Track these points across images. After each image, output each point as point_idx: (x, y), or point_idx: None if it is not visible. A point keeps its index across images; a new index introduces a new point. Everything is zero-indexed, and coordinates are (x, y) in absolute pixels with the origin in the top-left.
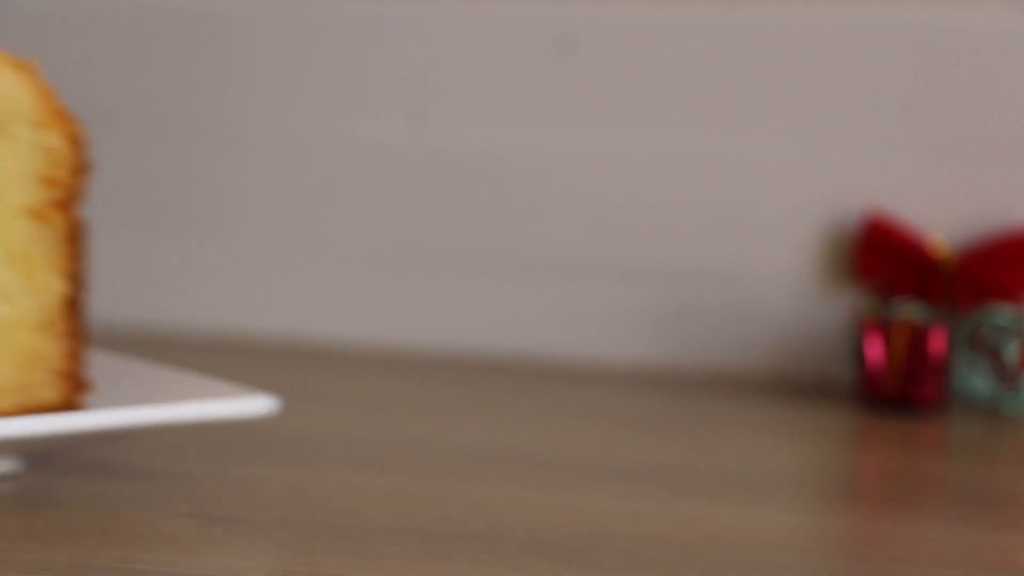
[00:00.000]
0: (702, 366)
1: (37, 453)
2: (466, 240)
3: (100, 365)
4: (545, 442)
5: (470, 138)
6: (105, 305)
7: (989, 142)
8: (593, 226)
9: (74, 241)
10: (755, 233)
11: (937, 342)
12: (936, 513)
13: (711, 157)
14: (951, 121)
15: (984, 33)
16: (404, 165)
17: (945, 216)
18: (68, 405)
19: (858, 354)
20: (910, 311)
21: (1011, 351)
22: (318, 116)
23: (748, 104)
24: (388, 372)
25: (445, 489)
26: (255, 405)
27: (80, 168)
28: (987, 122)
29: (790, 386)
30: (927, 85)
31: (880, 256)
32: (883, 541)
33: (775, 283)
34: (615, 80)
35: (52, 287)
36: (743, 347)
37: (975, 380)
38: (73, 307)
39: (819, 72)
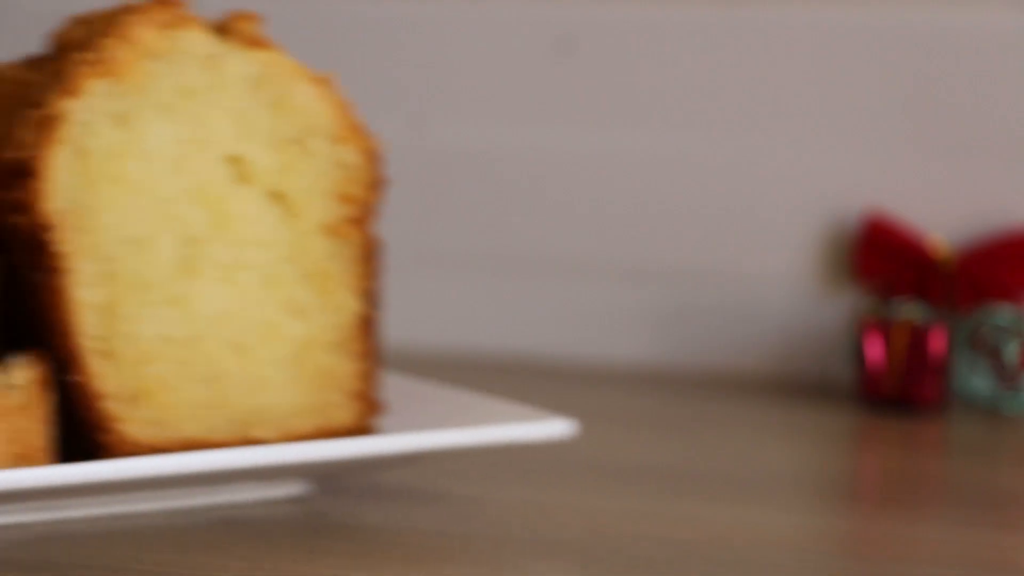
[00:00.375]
0: (702, 366)
1: (328, 476)
2: (466, 240)
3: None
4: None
5: (470, 138)
6: None
7: (989, 142)
8: (593, 226)
9: (369, 258)
10: (755, 233)
11: (937, 342)
12: (936, 513)
13: (711, 157)
14: (951, 121)
15: (984, 33)
16: (404, 165)
17: (945, 216)
18: (362, 427)
19: (858, 354)
20: (910, 311)
21: (1011, 351)
22: None
23: (748, 104)
24: (388, 372)
25: (445, 489)
26: (555, 428)
27: (376, 184)
28: (987, 122)
29: (790, 386)
30: (927, 85)
31: (880, 256)
32: (883, 541)
33: (775, 283)
34: (615, 80)
35: (348, 305)
36: (743, 347)
37: (975, 380)
38: (368, 326)
39: (819, 72)
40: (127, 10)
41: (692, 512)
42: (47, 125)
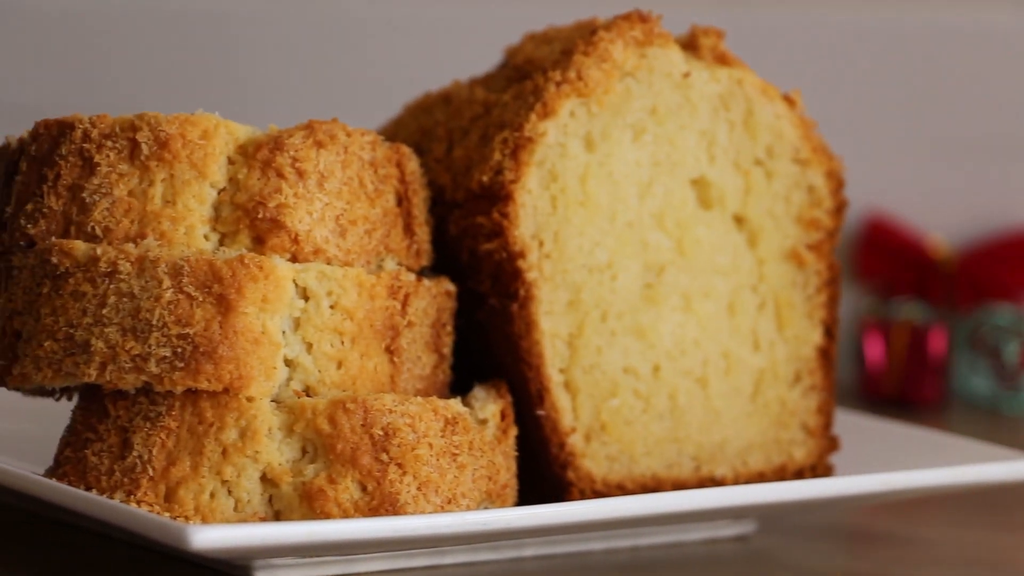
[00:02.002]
0: None
1: (779, 515)
2: None
3: None
4: None
5: None
6: None
7: (989, 142)
8: None
9: (830, 287)
10: None
11: (937, 342)
12: (936, 513)
13: None
14: (951, 121)
15: (984, 33)
16: None
17: (945, 216)
18: (819, 465)
19: (858, 354)
20: (910, 311)
21: (1011, 351)
22: (318, 116)
23: None
24: None
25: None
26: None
27: (840, 208)
28: (987, 122)
29: None
30: (927, 85)
31: (880, 256)
32: (883, 541)
33: None
34: None
35: (808, 336)
36: None
37: (975, 380)
38: (827, 358)
39: (818, 72)
40: (597, 27)
41: None
42: (521, 147)
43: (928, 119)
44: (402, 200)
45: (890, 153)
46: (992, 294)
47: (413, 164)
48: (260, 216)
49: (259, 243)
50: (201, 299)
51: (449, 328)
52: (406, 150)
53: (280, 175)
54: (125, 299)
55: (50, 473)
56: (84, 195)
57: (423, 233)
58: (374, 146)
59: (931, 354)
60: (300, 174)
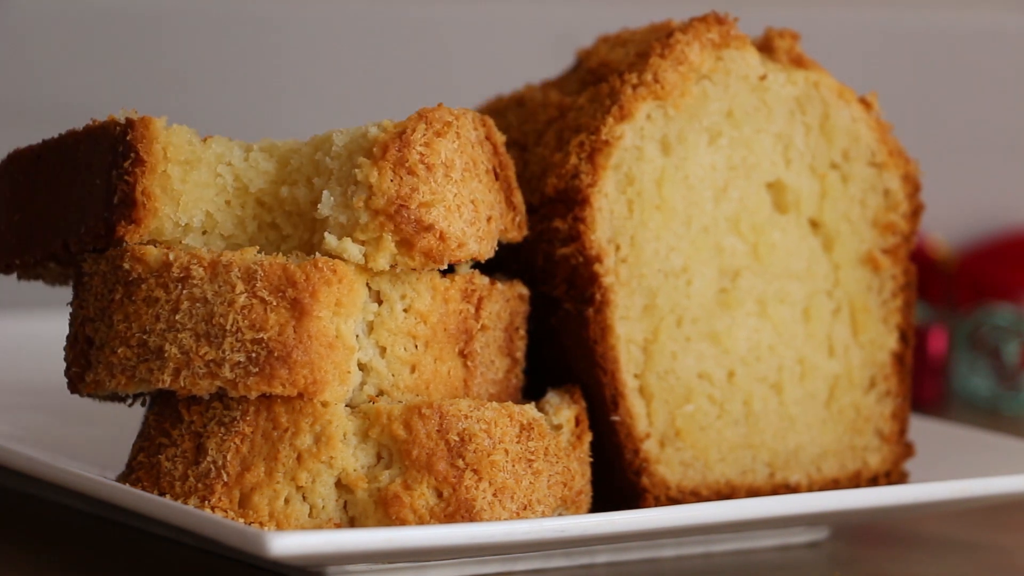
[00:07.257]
0: None
1: (855, 522)
2: None
3: None
4: None
5: None
6: None
7: (989, 142)
8: None
9: (906, 291)
10: None
11: (937, 342)
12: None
13: None
14: (951, 121)
15: (984, 33)
16: None
17: (945, 216)
18: (894, 472)
19: None
20: None
21: (1011, 351)
22: (317, 116)
23: None
24: None
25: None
26: None
27: (916, 212)
28: (987, 122)
29: None
30: (927, 85)
31: None
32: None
33: None
34: None
35: (883, 342)
36: None
37: (975, 380)
38: (902, 364)
39: None
40: (673, 29)
41: None
42: (598, 151)
43: (927, 119)
44: (498, 173)
45: None
46: (992, 294)
47: (498, 134)
48: (404, 218)
49: (407, 247)
50: (275, 303)
51: (522, 332)
52: (489, 120)
53: (412, 173)
54: (198, 304)
55: (123, 478)
56: None
57: (520, 203)
58: (475, 124)
59: (931, 354)
60: (429, 168)
